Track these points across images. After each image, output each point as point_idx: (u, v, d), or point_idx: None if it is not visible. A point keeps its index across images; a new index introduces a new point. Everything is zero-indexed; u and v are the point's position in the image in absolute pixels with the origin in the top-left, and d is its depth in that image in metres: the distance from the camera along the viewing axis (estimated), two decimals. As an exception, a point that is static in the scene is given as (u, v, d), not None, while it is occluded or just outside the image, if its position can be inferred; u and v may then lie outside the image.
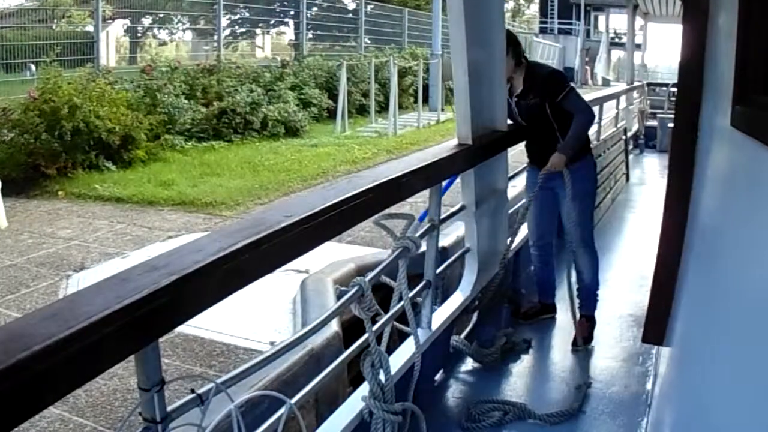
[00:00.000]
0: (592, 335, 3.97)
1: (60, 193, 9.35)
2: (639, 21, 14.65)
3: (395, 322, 2.77)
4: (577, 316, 3.97)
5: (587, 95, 4.18)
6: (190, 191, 9.29)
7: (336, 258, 5.91)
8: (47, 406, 1.12)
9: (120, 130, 10.38)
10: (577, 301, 4.02)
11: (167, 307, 1.39)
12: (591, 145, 4.08)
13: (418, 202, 5.57)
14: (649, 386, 3.49)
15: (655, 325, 3.15)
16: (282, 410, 1.83)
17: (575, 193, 3.86)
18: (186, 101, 12.71)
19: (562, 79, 3.92)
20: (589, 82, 37.10)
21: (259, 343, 4.55)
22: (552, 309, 4.34)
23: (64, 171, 9.82)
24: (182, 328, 4.63)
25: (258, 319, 5.00)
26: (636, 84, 13.30)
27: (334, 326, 4.32)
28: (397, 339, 3.07)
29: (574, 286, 4.07)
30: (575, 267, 4.09)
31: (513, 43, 3.83)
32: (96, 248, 6.97)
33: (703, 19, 2.82)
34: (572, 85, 3.89)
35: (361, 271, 2.40)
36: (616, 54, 42.28)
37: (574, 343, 3.92)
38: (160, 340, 1.46)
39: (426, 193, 3.11)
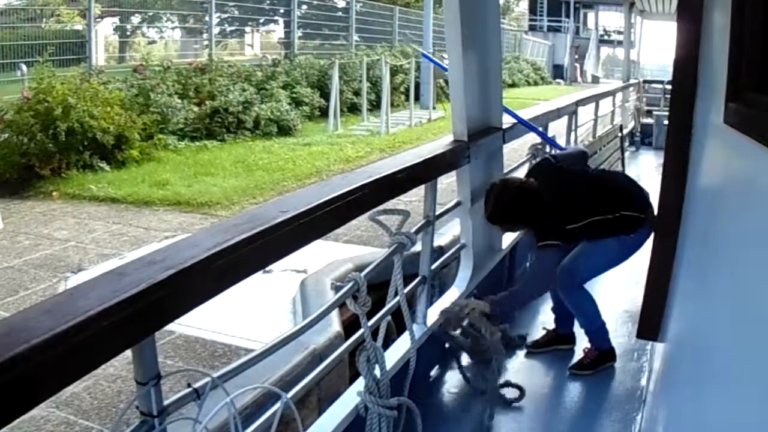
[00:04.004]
0: (593, 366, 3.64)
1: (54, 193, 9.32)
2: (631, 19, 14.67)
3: (390, 318, 2.77)
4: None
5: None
6: (185, 191, 9.28)
7: (334, 257, 5.93)
8: (46, 398, 1.13)
9: (114, 130, 10.36)
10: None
11: (164, 302, 1.40)
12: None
13: (413, 201, 5.58)
14: (643, 382, 3.50)
15: (650, 322, 3.16)
16: (278, 405, 1.83)
17: (598, 244, 3.57)
18: (179, 101, 12.69)
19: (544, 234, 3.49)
20: (579, 79, 37.24)
21: (260, 343, 4.56)
22: (569, 339, 3.92)
23: (58, 171, 9.80)
24: (183, 329, 4.66)
25: (258, 320, 5.02)
26: (632, 81, 13.33)
27: (336, 326, 4.33)
28: (396, 336, 3.07)
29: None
30: None
31: (521, 218, 3.49)
32: (93, 249, 6.96)
33: (697, 16, 2.83)
34: (547, 243, 3.45)
35: (359, 269, 2.42)
36: (605, 51, 42.50)
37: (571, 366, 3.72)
38: (163, 341, 1.47)
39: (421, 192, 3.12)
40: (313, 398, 3.76)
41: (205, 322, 4.68)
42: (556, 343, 3.92)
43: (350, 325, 4.18)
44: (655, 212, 3.30)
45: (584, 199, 3.57)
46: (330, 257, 5.91)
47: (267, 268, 2.04)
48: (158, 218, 8.29)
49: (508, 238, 4.42)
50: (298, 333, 2.09)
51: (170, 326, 1.50)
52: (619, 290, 4.20)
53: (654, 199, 3.34)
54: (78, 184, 9.55)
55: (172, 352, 4.48)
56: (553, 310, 3.99)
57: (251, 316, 5.05)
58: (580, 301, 3.66)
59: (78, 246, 7.07)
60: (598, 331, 3.70)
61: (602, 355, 3.69)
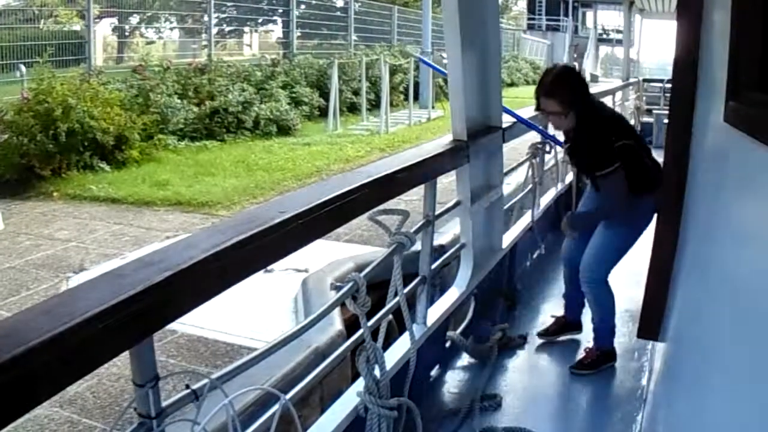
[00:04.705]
0: (595, 366, 3.65)
1: (55, 194, 9.32)
2: (631, 17, 14.66)
3: (390, 318, 2.77)
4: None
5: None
6: (186, 191, 9.28)
7: (335, 257, 5.94)
8: (43, 401, 1.13)
9: (114, 131, 10.36)
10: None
11: (161, 303, 1.39)
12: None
13: (414, 200, 5.57)
14: (644, 381, 3.50)
15: (650, 321, 3.16)
16: (276, 406, 1.83)
17: (610, 225, 3.65)
18: (178, 101, 12.68)
19: (609, 154, 3.46)
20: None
21: (262, 342, 4.58)
22: (577, 326, 4.01)
23: (58, 172, 9.80)
24: (186, 329, 4.68)
25: (261, 319, 5.04)
26: (632, 80, 13.31)
27: (337, 325, 4.34)
28: (398, 335, 3.07)
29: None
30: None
31: (578, 99, 3.54)
32: (94, 249, 6.96)
33: (697, 15, 2.82)
34: (617, 165, 3.43)
35: (361, 269, 2.41)
36: (604, 50, 42.52)
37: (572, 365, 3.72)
38: (165, 340, 1.47)
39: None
40: (315, 397, 3.77)
41: (207, 321, 4.70)
42: (566, 330, 4.00)
43: (352, 323, 4.20)
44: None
45: (619, 117, 3.83)
46: (331, 257, 5.92)
47: (268, 268, 2.04)
48: (159, 218, 8.29)
49: (509, 238, 4.41)
50: (297, 334, 2.08)
51: (172, 325, 1.50)
52: (619, 290, 4.18)
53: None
54: (78, 185, 9.56)
55: (175, 351, 4.49)
56: (565, 296, 4.05)
57: (253, 315, 5.07)
58: (603, 296, 3.71)
59: (79, 246, 7.07)
60: (607, 330, 3.73)
61: (603, 354, 3.70)
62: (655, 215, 3.27)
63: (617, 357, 3.71)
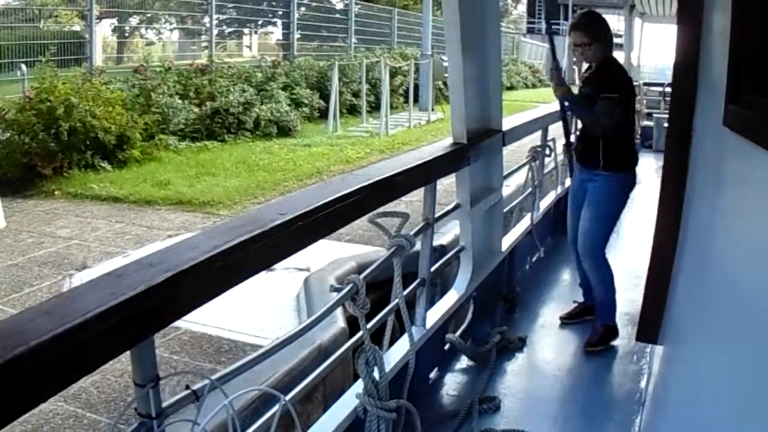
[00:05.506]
0: (604, 342, 3.90)
1: (56, 192, 9.32)
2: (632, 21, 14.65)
3: (390, 320, 2.77)
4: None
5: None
6: (187, 191, 9.28)
7: (337, 256, 5.95)
8: (44, 401, 1.13)
9: (115, 130, 10.37)
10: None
11: (162, 304, 1.40)
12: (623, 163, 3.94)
13: (414, 201, 5.58)
14: (643, 384, 3.50)
15: (649, 324, 3.16)
16: (276, 407, 1.83)
17: (593, 199, 3.91)
18: (180, 101, 12.68)
19: (617, 83, 3.82)
20: (577, 81, 37.13)
21: (265, 339, 4.61)
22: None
23: (60, 171, 9.80)
24: (189, 326, 4.72)
25: (263, 317, 5.08)
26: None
27: (340, 323, 4.35)
28: (399, 335, 3.07)
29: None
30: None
31: (603, 36, 3.89)
32: (96, 247, 6.97)
33: (697, 19, 2.83)
34: (621, 95, 3.76)
35: (362, 269, 2.44)
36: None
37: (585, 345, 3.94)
38: (169, 337, 1.47)
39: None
40: (318, 394, 3.77)
41: (210, 318, 4.74)
42: (586, 314, 4.22)
43: (355, 320, 4.22)
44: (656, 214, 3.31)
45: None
46: (333, 256, 5.94)
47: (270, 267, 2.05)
48: (161, 217, 8.29)
49: (508, 241, 4.42)
50: (297, 336, 2.09)
51: (176, 322, 1.51)
52: (618, 292, 4.21)
53: (654, 201, 3.34)
54: (80, 184, 9.56)
55: (179, 348, 4.51)
56: (580, 284, 4.30)
57: (256, 313, 5.10)
58: (604, 271, 3.96)
59: (81, 244, 7.07)
60: (610, 304, 3.97)
61: (608, 330, 3.93)
62: (656, 215, 3.28)
63: (616, 359, 3.73)
